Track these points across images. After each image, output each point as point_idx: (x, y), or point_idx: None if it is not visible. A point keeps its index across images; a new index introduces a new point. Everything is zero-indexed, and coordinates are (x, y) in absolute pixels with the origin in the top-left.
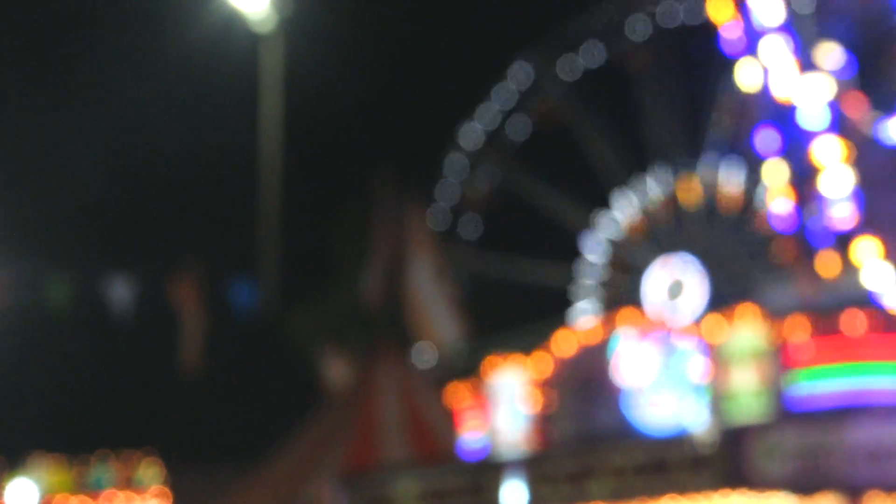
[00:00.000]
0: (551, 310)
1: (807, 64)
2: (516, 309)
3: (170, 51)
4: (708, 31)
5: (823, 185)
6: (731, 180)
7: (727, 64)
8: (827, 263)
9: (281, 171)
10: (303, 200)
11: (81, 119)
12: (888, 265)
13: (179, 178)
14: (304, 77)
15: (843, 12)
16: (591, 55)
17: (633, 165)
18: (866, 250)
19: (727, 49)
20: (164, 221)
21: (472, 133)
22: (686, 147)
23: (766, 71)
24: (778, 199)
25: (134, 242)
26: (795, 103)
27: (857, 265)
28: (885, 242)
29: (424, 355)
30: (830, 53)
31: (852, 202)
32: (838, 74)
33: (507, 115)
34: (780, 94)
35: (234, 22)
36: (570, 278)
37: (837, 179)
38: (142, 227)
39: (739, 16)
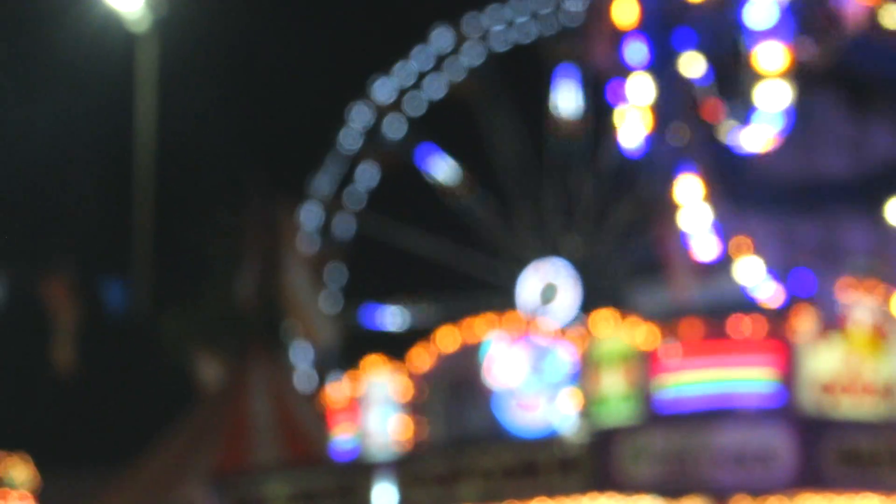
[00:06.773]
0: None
1: None
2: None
3: (43, 49)
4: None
5: (759, 100)
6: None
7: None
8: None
9: (155, 171)
10: (177, 200)
11: None
12: (708, 208)
13: (53, 178)
14: (179, 77)
15: None
16: (433, 87)
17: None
18: (688, 190)
19: None
20: (37, 221)
21: (323, 180)
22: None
23: None
24: (633, 120)
25: (4, 241)
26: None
27: (679, 206)
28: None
29: (298, 356)
30: None
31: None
32: None
33: (356, 159)
34: None
35: (109, 21)
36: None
37: (773, 96)
38: (12, 226)
39: None
